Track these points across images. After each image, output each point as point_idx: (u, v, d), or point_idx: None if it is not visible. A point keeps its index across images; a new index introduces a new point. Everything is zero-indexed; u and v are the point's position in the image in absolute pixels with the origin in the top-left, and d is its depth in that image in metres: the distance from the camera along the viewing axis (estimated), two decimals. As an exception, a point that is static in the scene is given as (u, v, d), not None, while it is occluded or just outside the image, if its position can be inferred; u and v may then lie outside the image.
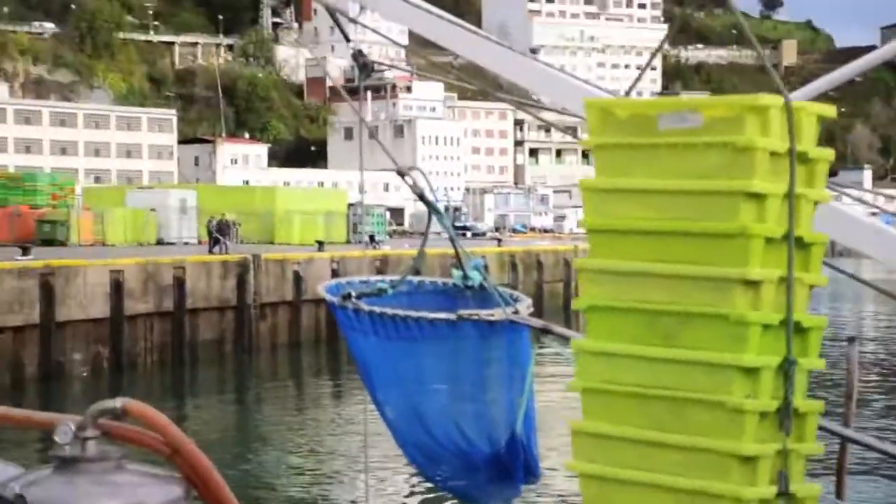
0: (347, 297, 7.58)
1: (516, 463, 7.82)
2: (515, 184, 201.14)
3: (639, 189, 5.69)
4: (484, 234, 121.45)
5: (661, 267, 5.65)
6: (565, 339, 7.67)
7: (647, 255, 5.66)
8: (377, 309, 7.54)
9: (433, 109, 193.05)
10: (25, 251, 61.82)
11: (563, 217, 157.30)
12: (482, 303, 7.83)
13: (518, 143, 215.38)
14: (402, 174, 8.14)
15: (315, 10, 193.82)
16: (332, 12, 8.65)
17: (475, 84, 7.99)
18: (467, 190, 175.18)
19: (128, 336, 57.86)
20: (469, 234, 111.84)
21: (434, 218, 7.95)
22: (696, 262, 5.58)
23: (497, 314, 7.66)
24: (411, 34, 9.33)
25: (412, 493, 29.18)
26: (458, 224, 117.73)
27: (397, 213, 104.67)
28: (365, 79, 9.12)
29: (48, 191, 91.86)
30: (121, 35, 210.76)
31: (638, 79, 6.77)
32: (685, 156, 5.60)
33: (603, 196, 5.80)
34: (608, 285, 5.77)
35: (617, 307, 5.73)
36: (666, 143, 5.64)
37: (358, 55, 8.43)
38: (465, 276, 8.04)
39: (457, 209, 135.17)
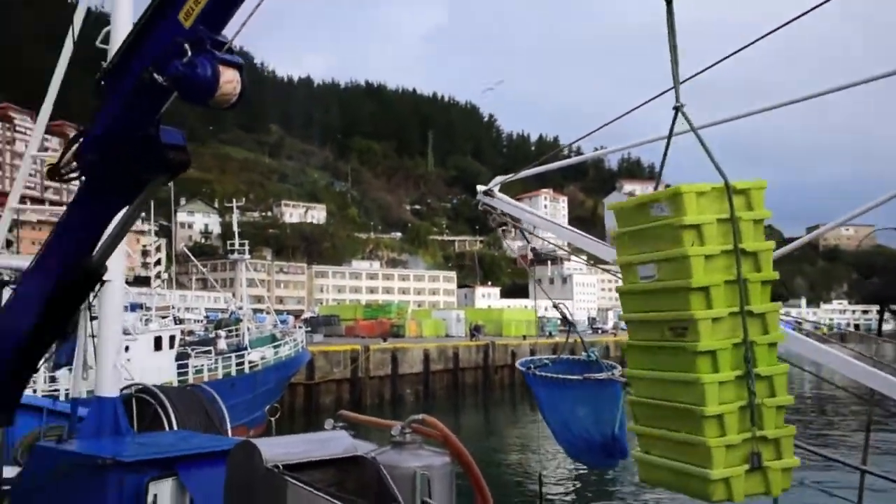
0: (529, 367, 7.78)
1: (615, 448, 7.61)
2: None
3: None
4: (607, 331, 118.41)
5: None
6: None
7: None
8: (543, 374, 7.73)
9: (581, 269, 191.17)
10: (384, 339, 62.89)
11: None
12: (598, 369, 7.80)
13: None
14: (555, 306, 8.36)
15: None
16: (522, 231, 8.70)
17: (593, 260, 8.23)
18: (599, 308, 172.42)
19: (431, 381, 57.93)
20: (600, 331, 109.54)
21: (572, 327, 8.16)
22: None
23: (603, 376, 7.62)
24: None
25: (564, 466, 27.70)
26: (594, 326, 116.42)
27: (564, 321, 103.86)
28: (538, 260, 9.10)
29: (396, 311, 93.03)
30: (430, 237, 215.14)
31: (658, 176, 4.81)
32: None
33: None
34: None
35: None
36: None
37: (532, 250, 8.81)
38: (588, 356, 8.00)
39: (594, 319, 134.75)
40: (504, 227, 9.28)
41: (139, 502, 5.47)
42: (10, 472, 6.78)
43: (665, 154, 4.67)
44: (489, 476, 5.25)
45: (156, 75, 4.41)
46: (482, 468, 6.11)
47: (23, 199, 11.30)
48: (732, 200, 4.20)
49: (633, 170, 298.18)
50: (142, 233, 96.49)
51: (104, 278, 6.02)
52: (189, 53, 4.33)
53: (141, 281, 73.73)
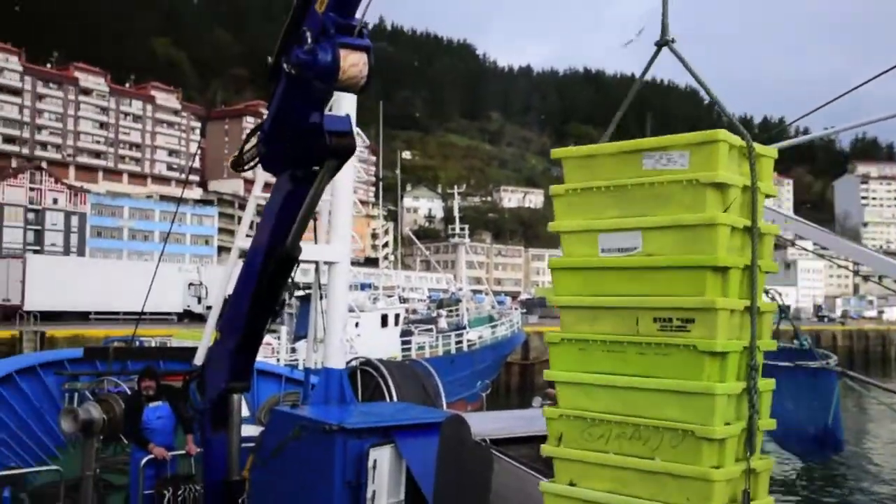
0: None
1: (829, 440, 7.09)
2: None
3: None
4: (835, 319, 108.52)
5: None
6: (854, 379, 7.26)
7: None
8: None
9: (807, 255, 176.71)
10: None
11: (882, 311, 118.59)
12: (811, 357, 7.22)
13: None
14: (766, 291, 7.54)
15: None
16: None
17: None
18: (826, 296, 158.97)
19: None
20: (826, 319, 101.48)
21: (783, 313, 7.29)
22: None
23: (815, 364, 7.07)
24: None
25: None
26: (821, 315, 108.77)
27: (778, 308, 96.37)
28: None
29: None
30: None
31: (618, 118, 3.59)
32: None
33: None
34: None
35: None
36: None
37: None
38: (801, 344, 7.36)
39: (821, 307, 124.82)
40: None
41: (361, 466, 5.84)
42: (254, 430, 7.45)
43: (630, 96, 3.61)
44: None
45: (284, 65, 4.63)
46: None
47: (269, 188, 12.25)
48: (755, 164, 3.16)
49: (867, 149, 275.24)
50: (372, 217, 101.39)
51: (330, 260, 6.37)
52: (308, 41, 4.41)
53: (370, 262, 77.49)
